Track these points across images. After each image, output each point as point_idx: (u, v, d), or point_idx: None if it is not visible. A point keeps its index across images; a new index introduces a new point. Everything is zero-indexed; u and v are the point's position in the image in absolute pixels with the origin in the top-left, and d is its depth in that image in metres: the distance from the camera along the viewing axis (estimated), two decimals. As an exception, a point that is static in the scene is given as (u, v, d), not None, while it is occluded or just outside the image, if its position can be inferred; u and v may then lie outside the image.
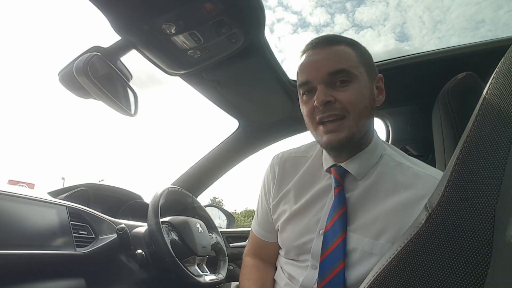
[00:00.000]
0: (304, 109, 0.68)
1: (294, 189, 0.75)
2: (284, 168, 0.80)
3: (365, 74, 0.65)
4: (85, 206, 1.02)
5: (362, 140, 0.68)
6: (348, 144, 0.64)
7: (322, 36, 0.68)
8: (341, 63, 0.62)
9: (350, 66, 0.63)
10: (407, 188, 0.63)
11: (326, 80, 0.63)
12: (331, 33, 0.71)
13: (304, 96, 0.67)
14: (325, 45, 0.65)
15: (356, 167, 0.67)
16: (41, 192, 0.95)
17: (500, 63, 0.34)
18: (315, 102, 0.62)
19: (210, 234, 1.28)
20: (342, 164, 0.68)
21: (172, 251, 0.97)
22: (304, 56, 0.67)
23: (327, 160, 0.72)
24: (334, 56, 0.63)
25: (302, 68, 0.66)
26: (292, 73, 1.09)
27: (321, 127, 0.65)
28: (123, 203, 1.42)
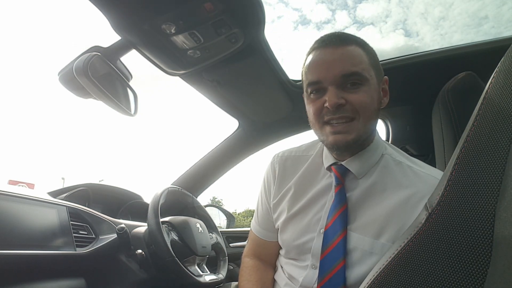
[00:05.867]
0: (310, 108, 0.66)
1: (295, 188, 0.75)
2: (284, 167, 0.79)
3: (374, 77, 0.64)
4: (85, 206, 1.02)
5: (365, 140, 0.67)
6: (354, 145, 0.64)
7: (332, 34, 0.66)
8: (354, 65, 0.61)
9: (362, 69, 0.62)
10: (407, 187, 0.63)
11: (338, 81, 0.61)
12: (332, 30, 0.70)
13: (311, 94, 0.65)
14: (338, 45, 0.63)
15: (357, 166, 0.67)
16: (41, 192, 0.95)
17: (500, 62, 0.34)
18: (327, 103, 0.61)
19: (210, 234, 1.28)
20: (343, 163, 0.68)
21: (172, 251, 0.97)
22: (313, 54, 0.65)
23: (328, 158, 0.72)
24: (348, 57, 0.62)
25: (312, 67, 0.64)
26: (292, 73, 1.09)
27: (328, 127, 0.63)
28: (123, 203, 1.42)
